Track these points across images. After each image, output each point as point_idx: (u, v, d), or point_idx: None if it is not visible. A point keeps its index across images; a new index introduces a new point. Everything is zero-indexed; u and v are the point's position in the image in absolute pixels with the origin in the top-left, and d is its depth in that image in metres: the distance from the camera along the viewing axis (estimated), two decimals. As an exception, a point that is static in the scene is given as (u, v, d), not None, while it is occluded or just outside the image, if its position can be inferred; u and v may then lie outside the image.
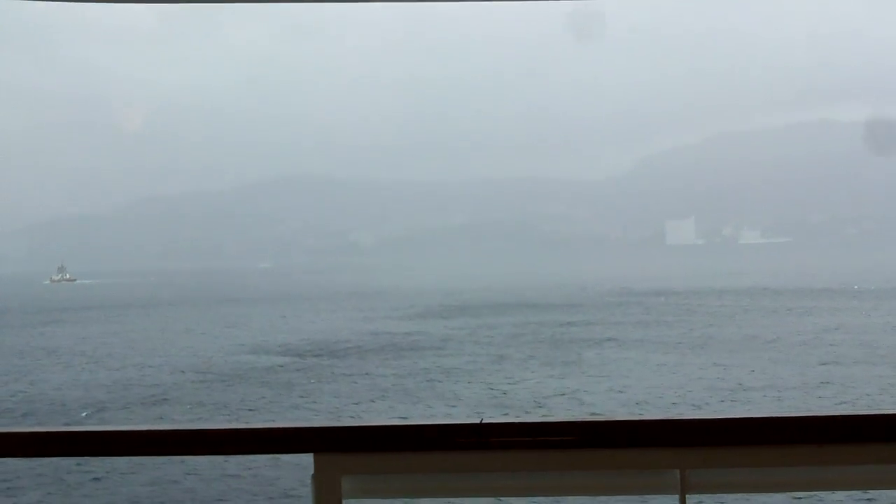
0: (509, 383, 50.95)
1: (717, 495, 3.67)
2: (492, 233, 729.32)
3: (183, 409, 43.78)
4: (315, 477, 3.27)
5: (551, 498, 3.35)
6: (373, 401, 45.97)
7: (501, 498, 3.37)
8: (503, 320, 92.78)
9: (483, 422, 3.30)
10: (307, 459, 3.21)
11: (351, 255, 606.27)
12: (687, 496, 3.40)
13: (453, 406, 44.29)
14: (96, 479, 28.77)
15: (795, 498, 24.15)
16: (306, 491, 3.26)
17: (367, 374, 55.50)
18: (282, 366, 59.73)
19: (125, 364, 61.49)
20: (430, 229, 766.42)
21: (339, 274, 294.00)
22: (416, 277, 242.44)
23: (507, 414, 41.06)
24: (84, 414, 42.18)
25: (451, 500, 3.41)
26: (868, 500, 24.86)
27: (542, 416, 41.02)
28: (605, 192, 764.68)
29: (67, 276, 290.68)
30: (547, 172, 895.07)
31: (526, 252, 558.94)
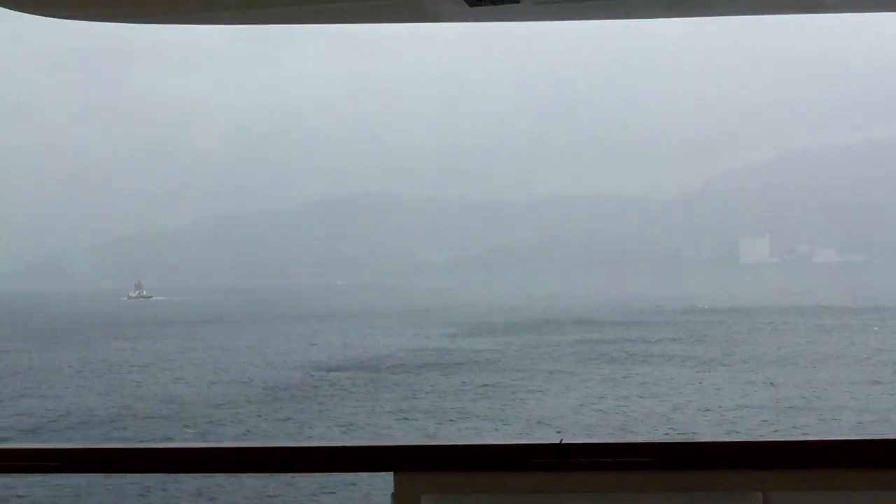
0: (554, 399, 50.90)
1: None
2: (561, 251, 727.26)
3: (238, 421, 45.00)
4: (395, 496, 3.21)
5: None
6: (405, 419, 46.12)
7: None
8: (564, 338, 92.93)
9: (563, 442, 3.26)
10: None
11: (421, 273, 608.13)
12: None
13: (504, 423, 44.34)
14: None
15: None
16: None
17: (411, 388, 55.80)
18: (328, 380, 60.36)
19: (200, 378, 62.88)
20: (499, 248, 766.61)
21: (408, 292, 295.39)
22: (484, 296, 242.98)
23: (590, 435, 41.36)
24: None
25: None
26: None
27: (621, 436, 41.30)
28: (675, 210, 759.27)
29: (144, 292, 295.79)
30: (616, 190, 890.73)
31: (595, 270, 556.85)
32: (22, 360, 79.97)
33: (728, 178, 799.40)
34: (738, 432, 42.11)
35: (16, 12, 3.02)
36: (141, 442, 38.87)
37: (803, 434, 40.26)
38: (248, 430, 41.46)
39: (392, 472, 3.27)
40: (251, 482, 27.86)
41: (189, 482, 28.98)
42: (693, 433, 41.78)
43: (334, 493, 29.29)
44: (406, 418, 45.32)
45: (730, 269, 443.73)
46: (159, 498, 29.13)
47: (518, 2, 3.32)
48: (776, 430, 43.09)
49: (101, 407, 50.14)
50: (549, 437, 3.26)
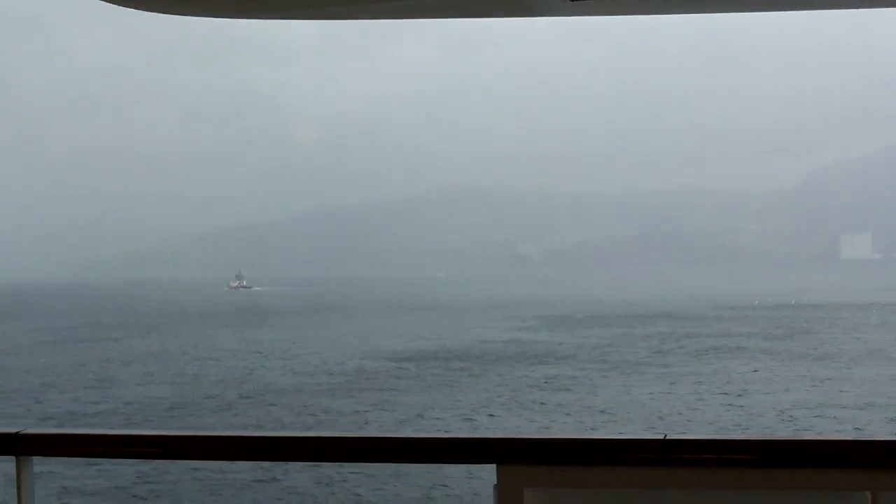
0: (636, 392, 51.39)
1: None
2: (655, 246, 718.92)
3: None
4: (497, 488, 3.30)
5: None
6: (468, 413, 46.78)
7: None
8: (651, 331, 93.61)
9: (667, 437, 3.30)
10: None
11: (519, 266, 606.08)
12: None
13: (579, 415, 44.80)
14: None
15: None
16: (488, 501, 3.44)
17: (492, 379, 57.01)
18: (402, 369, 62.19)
19: (296, 367, 65.51)
20: (596, 241, 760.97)
21: (505, 285, 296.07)
22: (576, 289, 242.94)
23: (685, 432, 41.91)
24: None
25: None
26: None
27: (723, 433, 42.62)
28: (771, 206, 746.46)
29: (244, 283, 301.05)
30: (712, 185, 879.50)
31: (689, 266, 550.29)
32: (135, 346, 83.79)
33: (827, 173, 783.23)
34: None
35: (123, 8, 3.72)
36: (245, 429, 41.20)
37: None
38: (319, 421, 43.45)
39: (495, 465, 3.36)
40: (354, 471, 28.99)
41: (304, 471, 30.28)
42: (787, 430, 41.68)
43: (445, 485, 30.42)
44: (482, 408, 46.42)
45: (830, 266, 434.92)
46: (276, 486, 30.32)
47: None
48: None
49: (199, 395, 52.90)
50: (657, 434, 3.33)
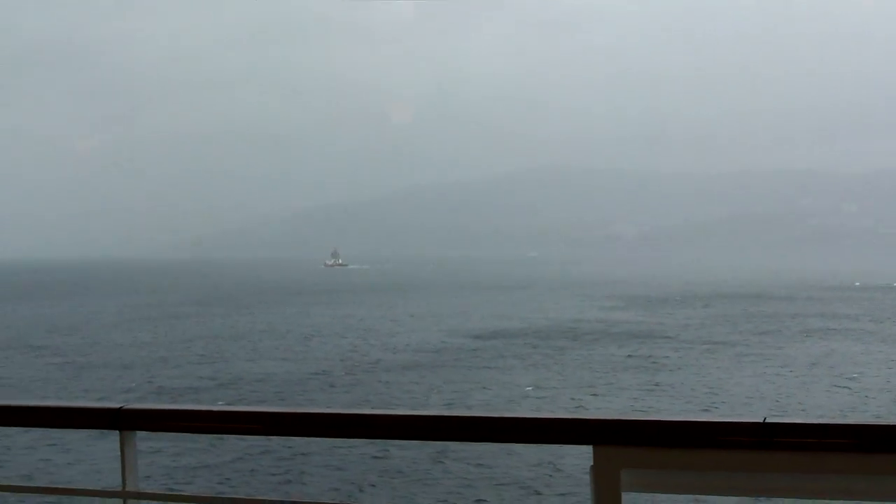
0: (715, 373, 50.54)
1: None
2: (752, 226, 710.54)
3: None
4: (594, 469, 3.28)
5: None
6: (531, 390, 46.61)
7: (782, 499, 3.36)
8: (751, 310, 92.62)
9: (766, 421, 3.23)
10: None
11: (612, 246, 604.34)
12: None
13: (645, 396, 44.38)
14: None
15: None
16: (585, 481, 3.42)
17: (560, 357, 56.73)
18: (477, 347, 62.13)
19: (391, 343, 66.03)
20: (689, 222, 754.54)
21: (598, 265, 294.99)
22: (668, 269, 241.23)
23: (787, 414, 41.24)
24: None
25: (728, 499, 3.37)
26: None
27: (825, 416, 41.71)
28: (872, 186, 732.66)
29: (340, 261, 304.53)
30: (809, 165, 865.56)
31: (787, 246, 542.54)
32: (240, 323, 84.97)
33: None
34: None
35: None
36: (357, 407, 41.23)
37: None
38: (423, 398, 43.60)
39: (591, 446, 3.33)
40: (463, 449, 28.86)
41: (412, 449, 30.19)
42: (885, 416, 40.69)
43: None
44: (582, 388, 46.18)
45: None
46: (394, 462, 30.32)
47: None
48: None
49: (301, 371, 53.42)
50: (757, 417, 3.19)
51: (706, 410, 39.20)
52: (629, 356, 57.93)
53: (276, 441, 30.09)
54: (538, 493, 26.43)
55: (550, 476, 27.87)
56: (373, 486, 27.52)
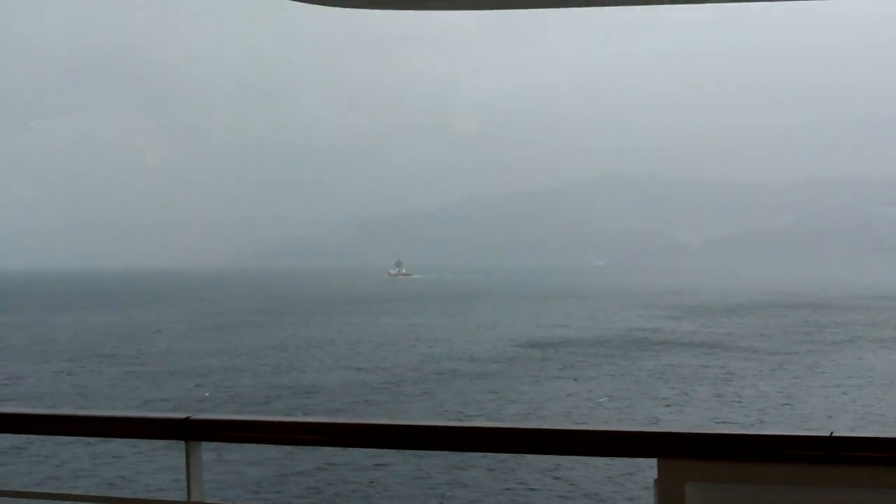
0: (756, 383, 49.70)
1: None
2: (820, 234, 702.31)
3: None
4: (658, 482, 3.25)
5: None
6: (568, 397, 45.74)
7: None
8: (820, 319, 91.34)
9: (833, 435, 3.17)
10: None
11: (678, 255, 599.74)
12: None
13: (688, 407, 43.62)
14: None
15: None
16: (647, 494, 3.62)
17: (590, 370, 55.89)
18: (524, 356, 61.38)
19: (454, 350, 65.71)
20: (756, 231, 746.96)
21: (662, 274, 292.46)
22: (733, 278, 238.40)
23: (861, 427, 40.35)
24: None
25: None
26: None
27: (889, 431, 40.63)
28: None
29: (403, 270, 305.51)
30: (880, 172, 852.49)
31: (860, 255, 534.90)
32: (308, 332, 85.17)
33: None
34: None
35: (291, 1, 3.64)
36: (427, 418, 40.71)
37: None
38: (494, 408, 43.30)
39: (656, 459, 3.28)
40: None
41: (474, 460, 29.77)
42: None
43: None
44: (611, 397, 45.70)
45: None
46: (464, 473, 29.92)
47: None
48: None
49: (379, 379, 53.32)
50: (823, 431, 3.14)
51: (774, 423, 38.55)
52: (702, 366, 57.13)
53: (345, 453, 29.93)
54: None
55: (616, 488, 27.52)
56: (443, 496, 27.19)
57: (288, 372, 56.01)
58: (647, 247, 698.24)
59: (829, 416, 41.10)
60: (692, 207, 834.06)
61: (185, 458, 3.74)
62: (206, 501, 3.76)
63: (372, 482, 28.63)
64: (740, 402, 44.93)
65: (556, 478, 28.76)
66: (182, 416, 3.77)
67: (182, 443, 3.74)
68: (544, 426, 3.47)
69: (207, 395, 47.25)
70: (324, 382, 51.02)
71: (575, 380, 51.94)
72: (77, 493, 3.93)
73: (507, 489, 27.98)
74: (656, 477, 3.27)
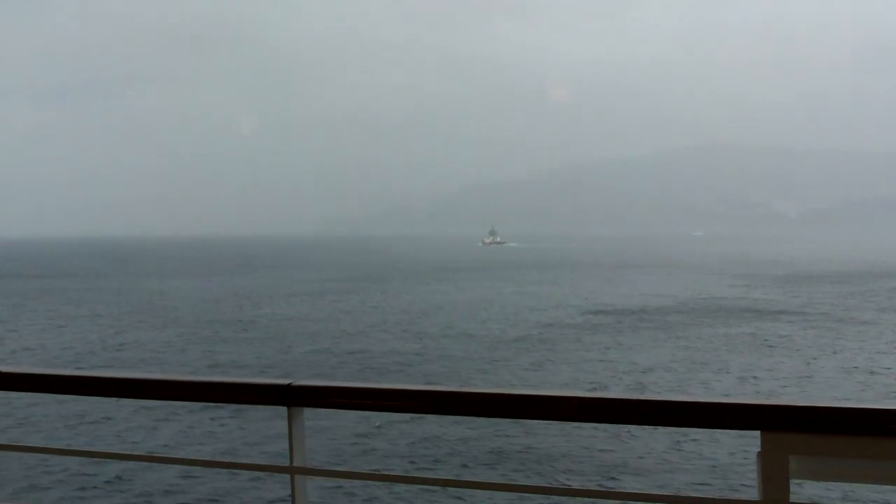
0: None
1: None
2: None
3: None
4: (762, 455, 3.22)
5: None
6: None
7: None
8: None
9: None
10: None
11: (774, 225, 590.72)
12: None
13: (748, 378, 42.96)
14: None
15: None
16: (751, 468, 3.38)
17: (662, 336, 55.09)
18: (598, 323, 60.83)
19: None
20: (856, 200, 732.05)
21: (756, 244, 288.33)
22: (825, 248, 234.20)
23: None
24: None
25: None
26: None
27: None
28: None
29: (498, 239, 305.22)
30: None
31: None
32: (417, 299, 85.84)
33: None
34: None
35: None
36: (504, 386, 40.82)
37: None
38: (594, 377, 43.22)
39: (759, 432, 3.24)
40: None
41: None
42: None
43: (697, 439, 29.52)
44: (601, 360, 45.70)
45: None
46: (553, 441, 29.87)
47: None
48: None
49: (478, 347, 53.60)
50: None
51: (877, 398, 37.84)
52: (786, 336, 56.29)
53: (441, 420, 30.21)
54: (699, 478, 25.91)
55: (714, 460, 27.32)
56: (534, 465, 27.19)
57: (392, 339, 56.34)
58: (744, 216, 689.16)
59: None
60: (790, 177, 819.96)
61: (287, 424, 3.76)
62: (309, 467, 3.80)
63: (492, 450, 28.71)
64: (835, 372, 44.23)
65: (644, 447, 28.67)
66: (285, 381, 3.80)
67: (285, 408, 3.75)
68: (647, 397, 3.42)
69: (304, 359, 47.85)
70: (434, 350, 51.22)
71: (669, 349, 51.53)
72: (178, 457, 4.05)
73: (597, 460, 27.90)
74: (759, 450, 3.23)
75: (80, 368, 42.47)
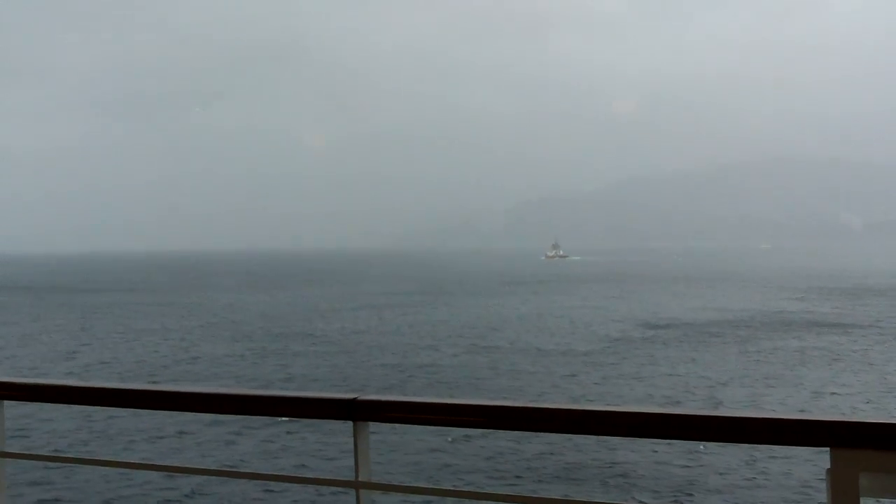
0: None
1: None
2: None
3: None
4: (831, 472, 3.14)
5: None
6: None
7: None
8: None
9: None
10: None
11: (840, 237, 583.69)
12: None
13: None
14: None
15: None
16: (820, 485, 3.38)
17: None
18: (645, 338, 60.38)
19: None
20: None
21: (821, 258, 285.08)
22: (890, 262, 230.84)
23: None
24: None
25: None
26: None
27: None
28: None
29: (561, 252, 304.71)
30: None
31: None
32: (480, 313, 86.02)
33: None
34: None
35: None
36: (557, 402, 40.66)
37: None
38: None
39: (829, 448, 3.14)
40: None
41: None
42: None
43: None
44: (671, 374, 45.70)
45: None
46: (619, 455, 29.88)
47: None
48: None
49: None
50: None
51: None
52: (851, 350, 55.61)
53: (506, 435, 29.86)
54: (768, 494, 25.72)
55: (783, 477, 27.13)
56: (607, 481, 27.10)
57: (462, 353, 56.47)
58: (811, 228, 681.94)
59: None
60: (856, 188, 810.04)
61: (352, 439, 3.77)
62: (374, 481, 3.78)
63: (567, 465, 28.68)
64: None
65: (712, 464, 28.61)
66: (350, 395, 3.82)
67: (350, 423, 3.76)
68: (713, 413, 3.35)
69: (377, 373, 48.10)
70: (503, 364, 51.23)
71: (736, 363, 51.12)
72: (248, 472, 4.12)
73: (662, 475, 27.79)
74: (829, 467, 3.15)
75: (153, 382, 43.13)
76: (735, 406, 38.31)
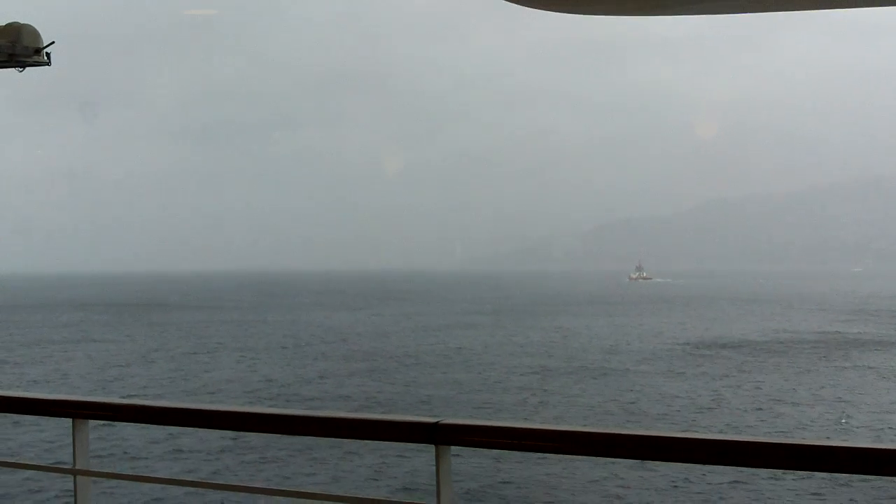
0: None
1: None
2: None
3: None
4: None
5: None
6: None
7: None
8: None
9: None
10: None
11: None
12: None
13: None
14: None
15: None
16: None
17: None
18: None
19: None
20: None
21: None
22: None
23: None
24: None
25: None
26: None
27: None
28: None
29: (644, 274, 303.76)
30: None
31: None
32: (571, 334, 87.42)
33: None
34: None
35: (520, 7, 3.63)
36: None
37: None
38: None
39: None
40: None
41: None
42: None
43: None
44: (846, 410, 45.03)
45: None
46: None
47: None
48: None
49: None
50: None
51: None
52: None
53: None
54: None
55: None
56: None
57: (555, 375, 57.30)
58: (890, 252, 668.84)
59: None
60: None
61: (434, 462, 3.82)
62: None
63: (606, 493, 28.83)
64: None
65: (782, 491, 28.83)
66: (432, 419, 3.85)
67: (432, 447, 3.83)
68: (801, 441, 3.34)
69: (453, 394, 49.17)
70: (593, 386, 51.92)
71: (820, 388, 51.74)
72: (328, 493, 4.23)
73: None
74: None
75: (249, 403, 44.12)
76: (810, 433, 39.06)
